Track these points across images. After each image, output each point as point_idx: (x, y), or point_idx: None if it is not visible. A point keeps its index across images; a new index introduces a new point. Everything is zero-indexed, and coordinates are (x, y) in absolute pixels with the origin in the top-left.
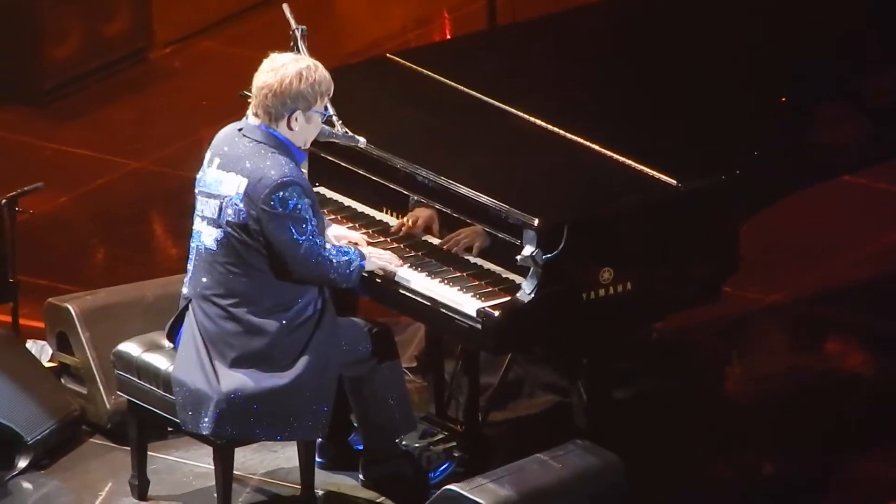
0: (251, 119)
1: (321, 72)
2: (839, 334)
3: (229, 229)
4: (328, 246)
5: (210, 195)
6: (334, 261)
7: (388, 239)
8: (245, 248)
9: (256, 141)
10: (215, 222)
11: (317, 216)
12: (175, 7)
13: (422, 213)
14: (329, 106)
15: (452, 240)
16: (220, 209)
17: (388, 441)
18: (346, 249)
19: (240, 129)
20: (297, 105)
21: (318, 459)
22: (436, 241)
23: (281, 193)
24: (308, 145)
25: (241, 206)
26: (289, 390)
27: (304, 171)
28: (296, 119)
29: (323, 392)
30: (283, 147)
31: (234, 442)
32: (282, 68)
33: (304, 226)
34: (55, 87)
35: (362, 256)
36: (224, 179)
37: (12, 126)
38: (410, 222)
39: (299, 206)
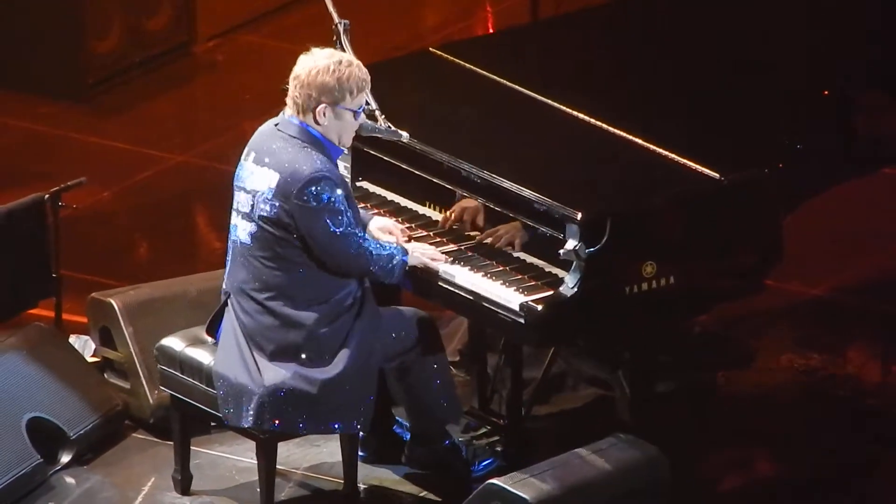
0: (286, 112)
1: (354, 68)
2: (882, 327)
3: (262, 223)
4: (368, 239)
5: (244, 189)
6: (374, 253)
7: (432, 233)
8: (278, 241)
9: (290, 136)
10: (249, 216)
11: (352, 209)
12: (217, 1)
13: (466, 208)
14: (371, 100)
15: (494, 235)
16: (253, 204)
17: (436, 427)
18: (386, 244)
19: (276, 125)
20: (323, 98)
21: (360, 453)
22: (480, 237)
23: (314, 188)
24: (346, 142)
25: (274, 200)
26: (331, 383)
27: (346, 165)
28: (323, 113)
29: (366, 385)
30: (316, 143)
31: (276, 436)
32: (314, 60)
33: (340, 217)
34: (98, 82)
35: (405, 252)
36: (256, 174)
37: (55, 120)
38: (454, 216)
39: (333, 198)
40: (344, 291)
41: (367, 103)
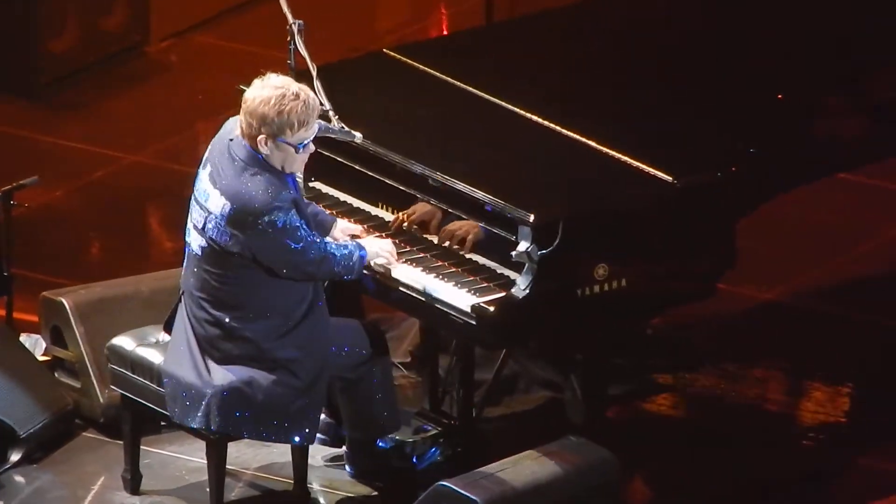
0: (239, 136)
1: (298, 103)
2: (834, 331)
3: (212, 242)
4: (328, 241)
5: (199, 204)
6: (337, 254)
7: (384, 234)
8: (225, 260)
9: (240, 159)
10: (200, 232)
11: (304, 216)
12: (172, 1)
13: (419, 210)
14: (325, 101)
15: (445, 232)
16: (205, 221)
17: (371, 437)
18: (344, 244)
19: (230, 139)
20: (262, 130)
21: (320, 435)
22: (432, 238)
23: (266, 218)
24: (293, 170)
25: (226, 228)
26: (279, 394)
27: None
28: (264, 143)
29: (314, 399)
30: (265, 166)
31: (226, 436)
32: (261, 88)
33: (297, 233)
34: (52, 81)
35: (361, 247)
36: (211, 194)
37: (9, 119)
38: (406, 217)
39: (287, 221)
40: (291, 307)
41: (304, 144)
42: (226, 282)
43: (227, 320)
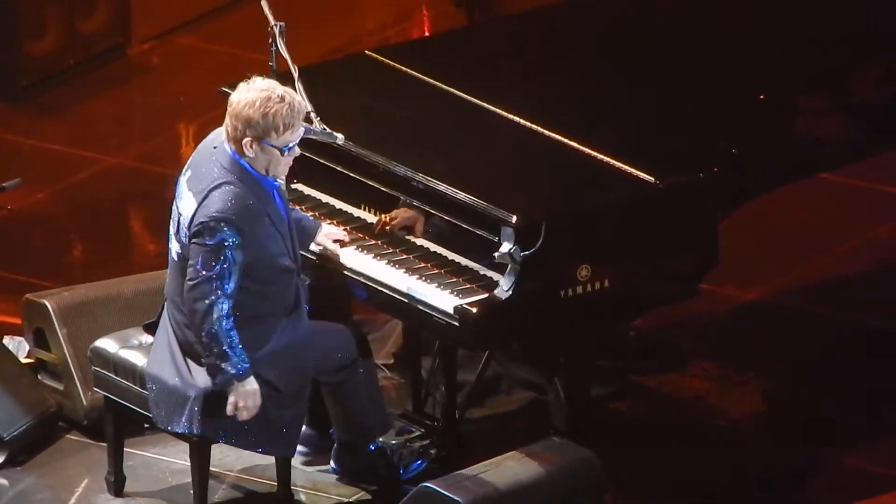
0: (225, 141)
1: (284, 106)
2: (816, 331)
3: (182, 248)
4: (227, 318)
5: (177, 208)
6: (222, 333)
7: (366, 236)
8: None
9: (220, 166)
10: (176, 237)
11: (234, 275)
12: (153, 3)
13: (401, 212)
14: (307, 102)
15: (389, 217)
16: (179, 225)
17: (361, 440)
18: (242, 360)
19: (215, 147)
20: (248, 132)
21: (301, 448)
22: (415, 239)
23: (212, 223)
24: (276, 174)
25: (187, 229)
26: (264, 405)
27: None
28: (249, 146)
29: (295, 407)
30: (244, 174)
31: (209, 439)
32: (246, 91)
33: (213, 264)
34: (33, 83)
35: (240, 377)
36: (185, 197)
37: None
38: (389, 219)
39: (226, 241)
40: (267, 314)
41: (289, 147)
42: None
43: None
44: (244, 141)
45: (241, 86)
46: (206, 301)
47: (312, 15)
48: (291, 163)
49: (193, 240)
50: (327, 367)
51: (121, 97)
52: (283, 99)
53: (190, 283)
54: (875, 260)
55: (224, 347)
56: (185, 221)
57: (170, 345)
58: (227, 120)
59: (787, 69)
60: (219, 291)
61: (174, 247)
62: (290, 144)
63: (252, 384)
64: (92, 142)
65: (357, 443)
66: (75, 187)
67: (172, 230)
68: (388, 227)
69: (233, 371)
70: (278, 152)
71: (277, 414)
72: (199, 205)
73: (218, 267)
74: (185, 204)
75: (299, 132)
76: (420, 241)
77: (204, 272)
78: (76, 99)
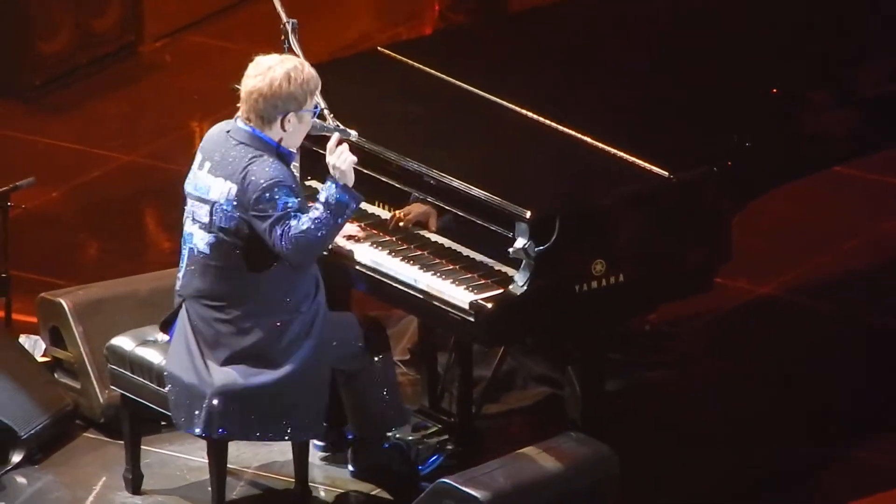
0: (240, 122)
1: (308, 70)
2: (829, 325)
3: (221, 234)
4: (303, 219)
5: (201, 199)
6: (312, 225)
7: (381, 232)
8: (236, 251)
9: (244, 144)
10: (207, 227)
11: (304, 206)
12: (165, 1)
13: (415, 208)
14: (320, 100)
15: (403, 212)
16: (211, 214)
17: (377, 433)
18: (316, 205)
19: (227, 131)
20: (290, 107)
21: (316, 443)
22: (429, 235)
23: (268, 195)
24: (298, 144)
25: (233, 212)
26: (281, 387)
27: (294, 164)
28: (289, 120)
29: (316, 389)
30: (270, 149)
31: (227, 436)
32: (269, 71)
33: (294, 222)
34: (45, 82)
35: (332, 181)
36: (213, 185)
37: (2, 121)
38: (403, 215)
39: (288, 203)
40: (299, 298)
41: (317, 106)
42: (234, 276)
43: (235, 314)
44: (287, 116)
45: (251, 70)
46: (305, 244)
47: (324, 11)
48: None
49: (262, 219)
50: (345, 355)
51: (133, 95)
52: (303, 65)
53: (294, 250)
54: (886, 254)
55: (329, 213)
56: (222, 207)
57: (188, 345)
58: (259, 105)
59: (797, 63)
60: (303, 225)
61: (203, 239)
62: (317, 106)
63: (334, 167)
64: (104, 140)
65: (373, 437)
66: (88, 186)
67: (196, 225)
68: (401, 224)
69: (334, 196)
70: (309, 116)
71: (300, 400)
72: (242, 183)
73: (289, 222)
74: (218, 191)
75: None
76: (434, 237)
77: (285, 238)
78: (88, 97)
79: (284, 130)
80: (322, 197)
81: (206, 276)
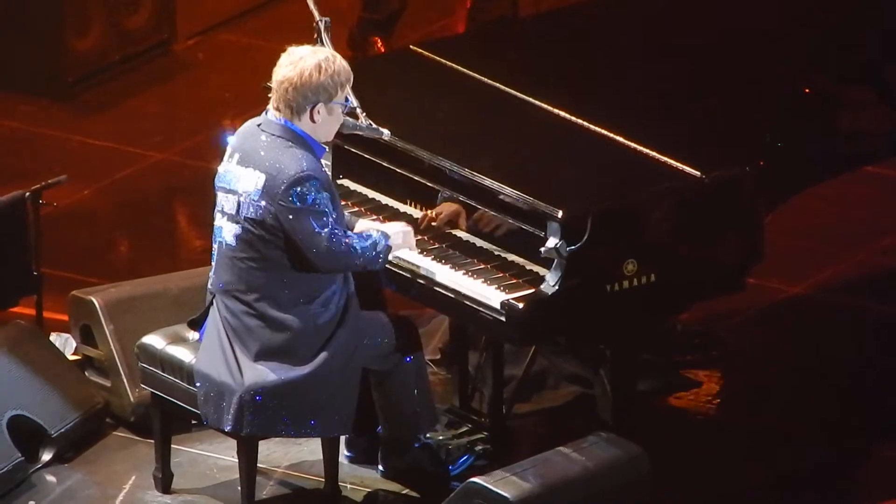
0: (271, 114)
1: (339, 62)
2: (863, 324)
3: (248, 225)
4: (350, 234)
5: (229, 191)
6: (358, 247)
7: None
8: (264, 243)
9: (274, 136)
10: (234, 218)
11: (336, 209)
12: None
13: (446, 207)
14: (353, 98)
15: (435, 212)
16: (239, 205)
17: (408, 434)
18: (368, 234)
19: (259, 125)
20: (319, 97)
21: (347, 453)
22: (460, 235)
23: (298, 188)
24: (330, 138)
25: (259, 201)
26: (312, 384)
27: (327, 162)
28: (318, 112)
29: (347, 387)
30: (301, 141)
31: (257, 435)
32: (300, 61)
33: (324, 218)
34: (78, 80)
35: (386, 236)
36: (242, 175)
37: (36, 119)
38: (434, 214)
39: (318, 199)
40: (329, 293)
41: (348, 100)
42: (263, 268)
43: (265, 308)
44: (316, 107)
45: (284, 59)
46: (337, 249)
47: (356, 9)
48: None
49: (289, 208)
50: (376, 355)
51: (166, 93)
52: (335, 57)
53: (318, 244)
54: None
55: (372, 252)
56: (250, 198)
57: (220, 341)
58: (289, 94)
59: (831, 61)
60: (338, 232)
61: (231, 231)
62: (348, 99)
63: (394, 231)
64: (137, 138)
65: (404, 437)
66: (121, 184)
67: (225, 217)
68: (433, 223)
69: (383, 245)
70: (340, 109)
71: (327, 393)
72: (272, 173)
73: (328, 219)
74: (246, 181)
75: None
76: (466, 237)
77: (322, 230)
78: (121, 95)
79: (314, 121)
80: (372, 239)
81: (233, 269)
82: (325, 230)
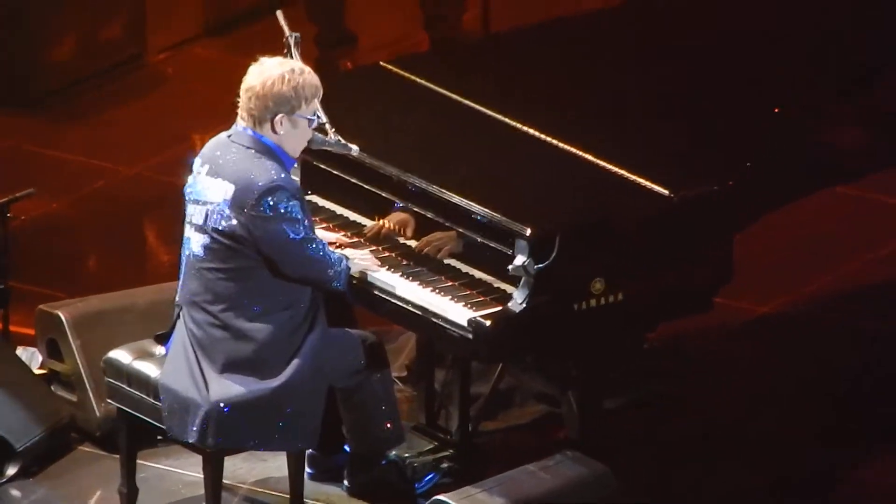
0: (239, 124)
1: (307, 76)
2: (830, 344)
3: (215, 235)
4: (324, 242)
5: (198, 202)
6: (332, 257)
7: (364, 240)
8: (231, 253)
9: (244, 146)
10: (202, 228)
11: (308, 218)
12: (169, 13)
13: (397, 217)
14: (322, 114)
15: (424, 241)
16: (207, 216)
17: (375, 450)
18: (333, 251)
19: (229, 136)
20: (281, 108)
21: (308, 471)
22: (412, 244)
23: (270, 198)
24: (297, 152)
25: (228, 212)
26: (278, 398)
27: (295, 178)
28: (280, 123)
29: (313, 401)
30: (270, 152)
31: (223, 450)
32: (266, 71)
33: (297, 226)
34: (49, 93)
35: (347, 258)
36: (211, 186)
37: (6, 130)
38: (386, 224)
39: (290, 208)
40: (296, 305)
41: (318, 116)
42: (230, 279)
43: (231, 318)
44: (276, 118)
45: (254, 69)
46: (314, 255)
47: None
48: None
49: (261, 217)
50: (343, 371)
51: (137, 107)
52: (304, 70)
53: (294, 251)
54: (889, 274)
55: (338, 267)
56: (218, 208)
57: (186, 354)
58: (251, 103)
59: (805, 80)
60: (315, 239)
61: (198, 241)
62: (315, 113)
63: (353, 255)
64: (108, 151)
65: (371, 454)
66: (91, 197)
67: (192, 227)
68: (384, 233)
69: (345, 264)
70: (306, 123)
71: (296, 410)
72: (241, 184)
73: (301, 227)
74: (215, 192)
75: (317, 102)
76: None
77: (297, 237)
78: (92, 108)
79: (276, 132)
80: (340, 255)
81: (201, 280)
82: (300, 236)
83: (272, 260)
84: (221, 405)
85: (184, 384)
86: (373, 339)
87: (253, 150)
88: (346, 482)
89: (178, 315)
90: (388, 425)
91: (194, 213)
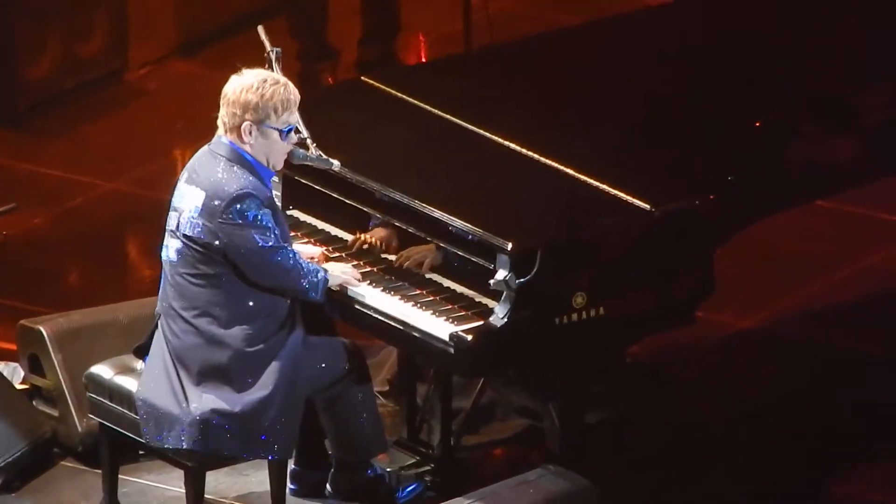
0: (219, 132)
1: (278, 87)
2: (812, 358)
3: (186, 241)
4: (297, 252)
5: (175, 208)
6: (304, 267)
7: (345, 255)
8: (202, 258)
9: (220, 155)
10: (174, 234)
11: (280, 226)
12: (150, 28)
13: (379, 232)
14: (303, 128)
15: (405, 255)
16: (178, 221)
17: (360, 457)
18: (308, 262)
19: (209, 145)
20: (247, 116)
21: (291, 486)
22: (393, 258)
23: (238, 206)
24: (275, 164)
25: (198, 219)
26: (256, 407)
27: (276, 192)
28: (247, 132)
29: (291, 410)
30: (244, 162)
31: (205, 465)
32: (240, 79)
33: (267, 233)
34: (30, 108)
35: (326, 271)
36: (186, 193)
37: None
38: (367, 239)
39: (259, 216)
40: (273, 314)
41: (298, 130)
42: (203, 284)
43: (206, 324)
44: (243, 126)
45: (233, 77)
46: (285, 264)
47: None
48: (286, 155)
49: (230, 225)
50: (321, 381)
51: (118, 122)
52: (278, 81)
53: (264, 259)
54: (871, 287)
55: (314, 277)
56: (190, 214)
57: (164, 364)
58: (224, 110)
59: (786, 94)
60: (286, 247)
61: (172, 246)
62: (289, 127)
63: (334, 269)
64: (88, 166)
65: (355, 461)
66: (71, 212)
67: (168, 234)
68: (364, 246)
69: (322, 276)
70: (277, 135)
71: (270, 415)
72: (211, 190)
73: (271, 235)
74: (189, 199)
75: (296, 116)
76: (399, 260)
77: (267, 244)
78: (73, 123)
79: (243, 141)
80: (316, 267)
81: (175, 285)
82: (270, 244)
83: (241, 267)
84: (200, 415)
85: (161, 395)
86: (352, 348)
87: (227, 159)
88: (328, 487)
89: (157, 325)
90: (371, 432)
91: (170, 219)
